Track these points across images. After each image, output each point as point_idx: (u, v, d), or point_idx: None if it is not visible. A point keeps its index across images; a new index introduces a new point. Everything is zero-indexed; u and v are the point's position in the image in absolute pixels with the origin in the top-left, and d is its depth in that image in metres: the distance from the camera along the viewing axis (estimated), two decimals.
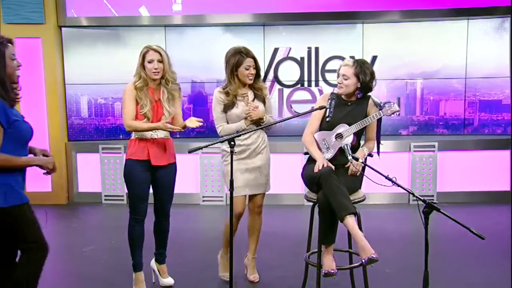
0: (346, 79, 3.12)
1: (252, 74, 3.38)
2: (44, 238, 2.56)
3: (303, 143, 3.27)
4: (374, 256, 2.76)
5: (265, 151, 3.52)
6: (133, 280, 3.44)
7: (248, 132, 3.28)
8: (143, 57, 3.26)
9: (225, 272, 3.53)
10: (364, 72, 3.08)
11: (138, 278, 3.42)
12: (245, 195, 3.47)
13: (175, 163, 3.43)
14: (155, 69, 3.24)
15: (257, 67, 3.41)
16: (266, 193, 3.58)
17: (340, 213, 2.85)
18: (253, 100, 3.44)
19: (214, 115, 3.45)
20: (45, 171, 2.58)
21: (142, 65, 3.26)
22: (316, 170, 3.00)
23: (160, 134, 3.30)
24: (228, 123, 3.43)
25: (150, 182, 3.35)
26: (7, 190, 2.41)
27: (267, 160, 3.53)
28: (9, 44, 2.45)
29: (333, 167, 3.01)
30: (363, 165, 2.97)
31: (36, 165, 2.50)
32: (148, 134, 3.27)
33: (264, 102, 3.48)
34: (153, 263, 3.57)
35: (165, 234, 3.50)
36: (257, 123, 3.41)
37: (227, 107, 3.40)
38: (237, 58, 3.34)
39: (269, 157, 3.56)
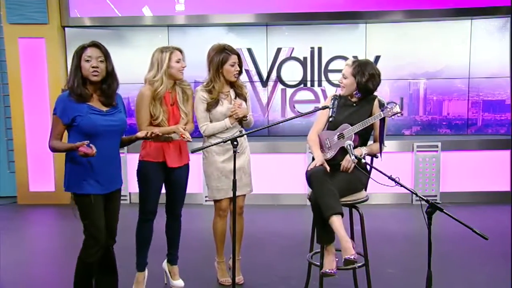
0: (345, 78, 3.13)
1: (237, 71, 3.36)
2: (100, 234, 2.75)
3: (307, 142, 3.28)
4: (351, 257, 2.78)
5: (247, 151, 3.52)
6: (135, 279, 3.43)
7: (250, 133, 3.25)
8: (169, 58, 3.18)
9: (223, 277, 3.55)
10: (362, 73, 3.05)
11: (139, 278, 3.42)
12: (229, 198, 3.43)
13: (188, 163, 3.42)
14: (183, 67, 3.24)
15: (240, 65, 3.39)
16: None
17: (326, 213, 2.87)
18: (235, 98, 3.43)
19: (197, 115, 3.40)
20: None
21: (168, 66, 3.18)
22: (309, 168, 3.04)
23: (176, 136, 3.27)
24: (211, 122, 3.40)
25: (163, 183, 3.34)
26: (70, 178, 2.72)
27: (249, 160, 3.52)
28: (87, 48, 2.68)
29: (327, 168, 3.02)
30: (355, 163, 2.94)
31: (75, 149, 2.59)
32: (162, 137, 3.20)
33: (245, 100, 3.48)
34: (165, 264, 3.55)
35: (177, 235, 3.49)
36: (240, 121, 3.41)
37: (211, 106, 3.36)
38: (222, 56, 3.32)
39: (249, 157, 3.55)
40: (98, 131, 2.67)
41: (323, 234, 3.00)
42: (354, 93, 3.15)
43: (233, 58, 3.33)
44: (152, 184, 3.27)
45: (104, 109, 2.73)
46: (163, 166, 3.25)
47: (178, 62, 3.22)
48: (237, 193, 3.35)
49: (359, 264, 3.13)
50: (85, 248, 2.76)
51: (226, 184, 3.37)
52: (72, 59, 2.71)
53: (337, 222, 2.85)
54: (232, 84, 3.44)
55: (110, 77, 2.74)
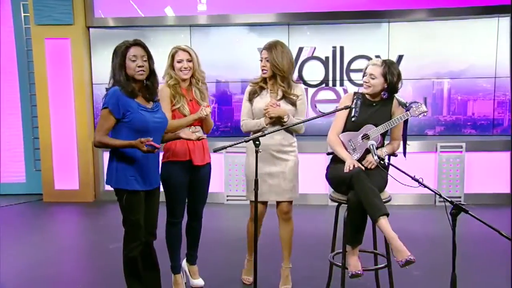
0: (373, 79, 3.08)
1: (263, 66, 3.30)
2: (141, 230, 2.80)
3: (328, 144, 3.24)
4: (411, 258, 2.72)
5: (292, 155, 3.36)
6: (172, 282, 3.46)
7: (270, 133, 3.11)
8: (172, 57, 3.26)
9: (245, 275, 3.55)
10: (392, 73, 3.04)
11: (177, 280, 3.45)
12: (265, 201, 3.37)
13: (210, 162, 3.41)
14: (185, 68, 3.23)
15: (272, 62, 3.24)
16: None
17: (374, 214, 2.82)
18: (281, 99, 3.29)
19: (242, 109, 3.41)
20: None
21: (172, 65, 3.26)
22: (346, 170, 2.97)
23: (198, 134, 3.26)
24: (254, 118, 3.35)
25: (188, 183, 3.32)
26: (118, 175, 2.74)
27: (291, 166, 3.35)
28: (131, 47, 2.73)
29: (363, 167, 2.99)
30: (377, 162, 2.91)
31: (132, 147, 2.66)
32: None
33: (293, 104, 3.29)
34: (184, 263, 3.57)
35: (197, 235, 3.49)
36: (280, 123, 3.25)
37: (251, 96, 3.34)
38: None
39: (295, 162, 3.38)
40: (148, 128, 2.72)
41: (355, 235, 2.98)
42: (382, 93, 3.12)
43: (262, 53, 3.32)
44: (179, 186, 3.25)
45: (149, 106, 2.78)
46: (189, 165, 3.25)
47: (179, 62, 3.24)
48: (275, 198, 3.35)
49: (382, 265, 3.12)
50: (125, 243, 2.82)
51: (262, 187, 3.26)
52: (114, 57, 2.74)
53: (385, 224, 2.81)
54: (285, 84, 3.29)
55: (152, 74, 2.82)
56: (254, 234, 2.94)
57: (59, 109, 6.20)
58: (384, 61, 3.10)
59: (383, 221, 2.81)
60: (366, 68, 3.15)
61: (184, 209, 3.35)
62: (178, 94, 3.23)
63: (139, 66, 2.71)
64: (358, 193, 2.88)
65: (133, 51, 2.72)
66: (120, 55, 2.72)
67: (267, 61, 3.27)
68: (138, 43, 2.78)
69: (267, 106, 3.23)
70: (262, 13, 6.04)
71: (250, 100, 3.35)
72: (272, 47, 3.29)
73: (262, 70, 3.31)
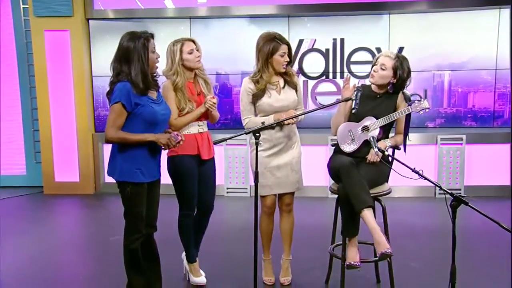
0: (383, 69, 3.05)
1: (286, 61, 3.20)
2: (142, 222, 2.80)
3: (332, 124, 3.22)
4: (388, 251, 2.77)
5: (297, 146, 3.35)
6: (189, 270, 3.49)
7: (272, 127, 3.14)
8: (181, 50, 3.19)
9: (266, 276, 3.46)
10: (403, 69, 3.03)
11: (195, 267, 3.47)
12: (275, 194, 3.33)
13: (214, 156, 3.43)
14: (198, 57, 3.23)
15: (290, 55, 3.23)
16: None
17: (358, 206, 2.85)
18: (284, 87, 3.26)
19: (241, 107, 3.27)
20: (163, 147, 2.77)
21: (181, 58, 3.19)
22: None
23: (205, 128, 3.30)
24: (257, 114, 3.28)
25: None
26: (123, 167, 2.73)
27: (298, 157, 3.35)
28: (151, 39, 2.74)
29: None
30: (381, 156, 2.92)
31: (151, 141, 2.70)
32: (195, 129, 3.23)
33: (295, 90, 3.29)
34: (184, 255, 3.58)
35: (204, 230, 3.51)
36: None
37: (256, 97, 3.22)
38: (272, 45, 3.14)
39: (300, 153, 3.38)
40: (158, 120, 2.74)
41: (350, 227, 2.99)
42: (389, 87, 3.11)
43: (283, 48, 3.17)
44: (191, 179, 3.26)
45: (155, 98, 2.79)
46: (197, 158, 3.27)
47: (190, 53, 3.22)
48: (283, 191, 3.32)
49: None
50: (126, 235, 2.82)
51: (270, 180, 3.26)
52: (133, 51, 2.67)
53: (369, 216, 2.84)
54: (283, 73, 3.27)
55: None
56: (255, 228, 2.92)
57: (59, 101, 6.19)
58: (397, 55, 3.08)
59: (367, 213, 2.84)
60: (377, 58, 3.12)
61: (196, 201, 3.36)
62: (183, 98, 3.19)
63: (157, 58, 2.78)
64: (344, 184, 2.92)
65: (153, 43, 2.75)
66: (142, 48, 2.68)
67: (288, 55, 3.21)
68: (152, 35, 2.78)
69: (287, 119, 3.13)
70: (262, 4, 6.02)
71: (254, 103, 3.26)
72: (286, 40, 3.25)
73: (283, 64, 3.20)
